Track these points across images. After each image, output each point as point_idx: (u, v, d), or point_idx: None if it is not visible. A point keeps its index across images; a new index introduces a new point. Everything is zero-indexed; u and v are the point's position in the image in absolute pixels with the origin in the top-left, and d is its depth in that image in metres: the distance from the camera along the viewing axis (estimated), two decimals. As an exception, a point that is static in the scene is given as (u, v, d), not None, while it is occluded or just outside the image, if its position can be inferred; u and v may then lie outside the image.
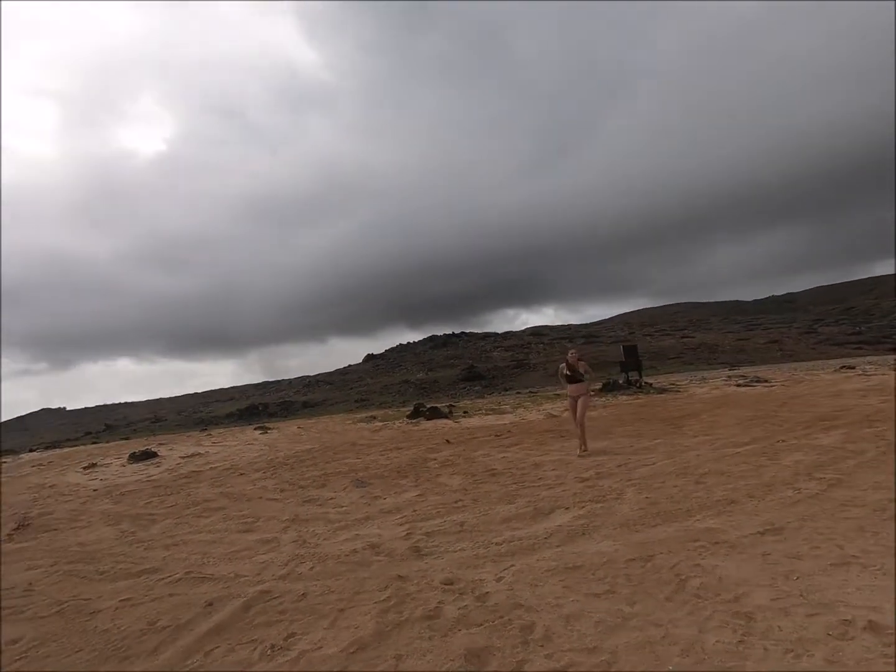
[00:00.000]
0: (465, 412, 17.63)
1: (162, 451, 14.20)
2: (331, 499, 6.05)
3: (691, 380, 24.62)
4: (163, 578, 3.80)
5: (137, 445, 18.16)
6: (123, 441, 28.99)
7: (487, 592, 3.00)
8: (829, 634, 2.27)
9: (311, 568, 3.71)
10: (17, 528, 6.07)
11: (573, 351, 7.61)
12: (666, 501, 4.43)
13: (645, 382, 19.79)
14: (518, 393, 33.60)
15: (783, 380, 18.57)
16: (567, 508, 4.56)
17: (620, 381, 19.90)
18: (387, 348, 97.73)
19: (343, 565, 3.70)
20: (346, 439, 13.10)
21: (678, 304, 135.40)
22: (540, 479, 5.90)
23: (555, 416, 13.56)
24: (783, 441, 6.55)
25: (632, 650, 2.30)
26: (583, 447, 7.21)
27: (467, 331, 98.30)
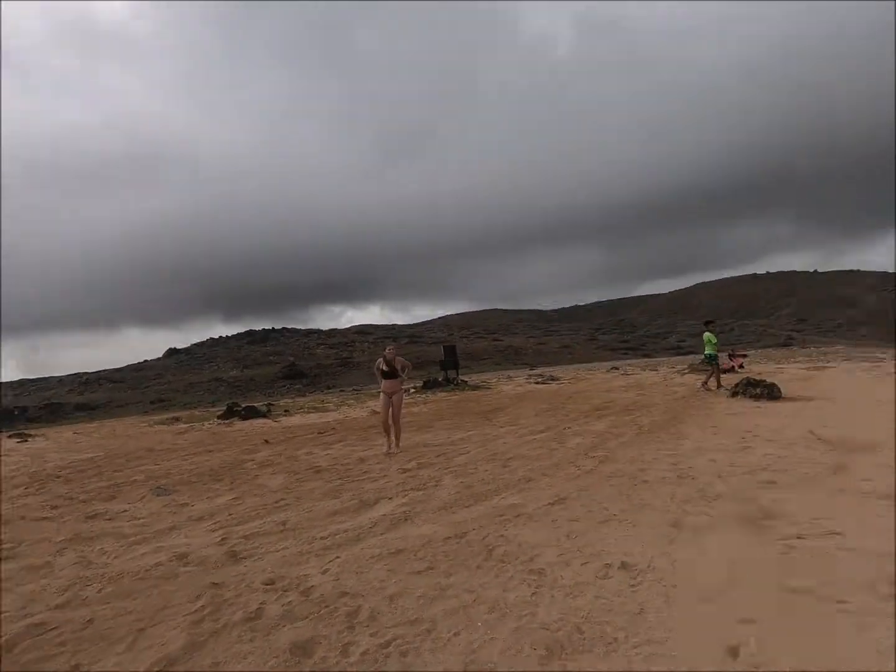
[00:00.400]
0: (285, 411, 16.84)
1: None
2: (123, 511, 5.25)
3: (499, 378, 27.48)
4: None
5: None
6: None
7: (312, 586, 2.99)
8: (596, 577, 2.84)
9: (100, 590, 3.20)
10: None
11: (391, 347, 7.47)
12: (479, 484, 4.94)
13: (461, 380, 21.45)
14: (342, 391, 33.31)
15: (570, 378, 21.97)
16: (390, 498, 4.75)
17: (440, 379, 21.22)
18: (193, 342, 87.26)
19: (142, 582, 3.28)
20: (141, 444, 11.41)
21: (491, 309, 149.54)
22: (365, 472, 6.02)
23: (377, 412, 13.85)
24: (569, 428, 7.82)
25: (448, 616, 2.55)
26: (396, 444, 7.15)
27: (289, 326, 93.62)
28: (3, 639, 2.62)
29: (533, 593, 2.71)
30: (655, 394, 12.09)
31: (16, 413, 40.50)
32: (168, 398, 45.51)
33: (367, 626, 2.51)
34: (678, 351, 59.09)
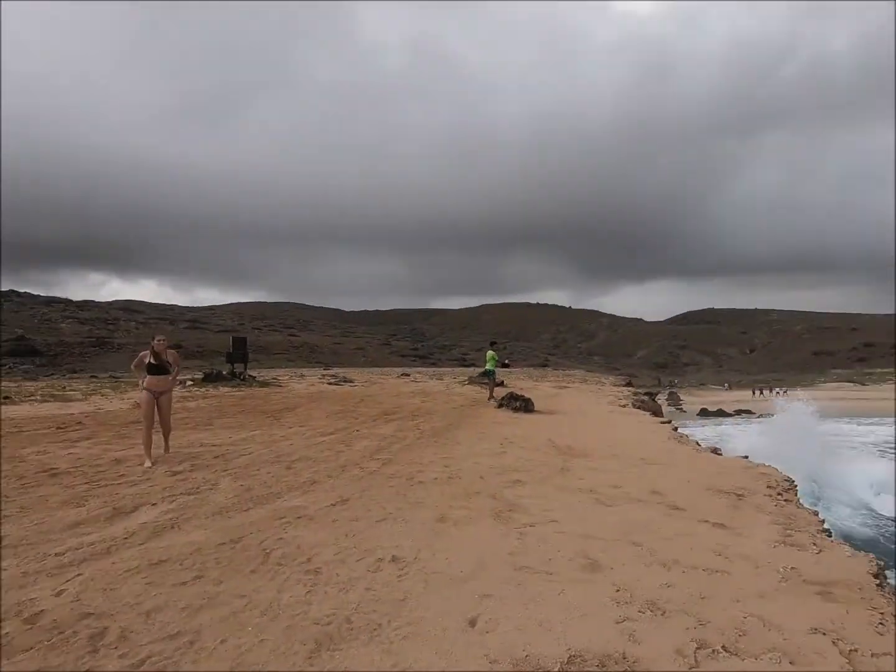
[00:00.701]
0: (6, 397, 13.33)
1: None
2: None
3: (292, 376, 26.50)
4: None
5: None
6: None
7: (42, 611, 2.54)
8: (368, 571, 3.08)
9: None
10: None
11: (161, 337, 6.29)
12: (259, 487, 4.78)
13: (249, 375, 20.05)
14: (94, 377, 27.80)
15: (363, 381, 22.48)
16: (154, 504, 4.27)
17: (225, 373, 19.48)
18: None
19: None
20: None
21: (290, 303, 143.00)
22: (122, 476, 5.24)
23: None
24: (358, 431, 8.08)
25: (216, 624, 2.47)
26: (165, 448, 6.26)
27: (21, 290, 74.21)
28: None
29: (308, 592, 2.81)
30: (438, 401, 13.28)
31: None
32: None
33: (116, 647, 2.27)
34: (462, 363, 65.60)
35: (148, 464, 5.66)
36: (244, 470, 5.47)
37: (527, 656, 2.24)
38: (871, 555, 3.35)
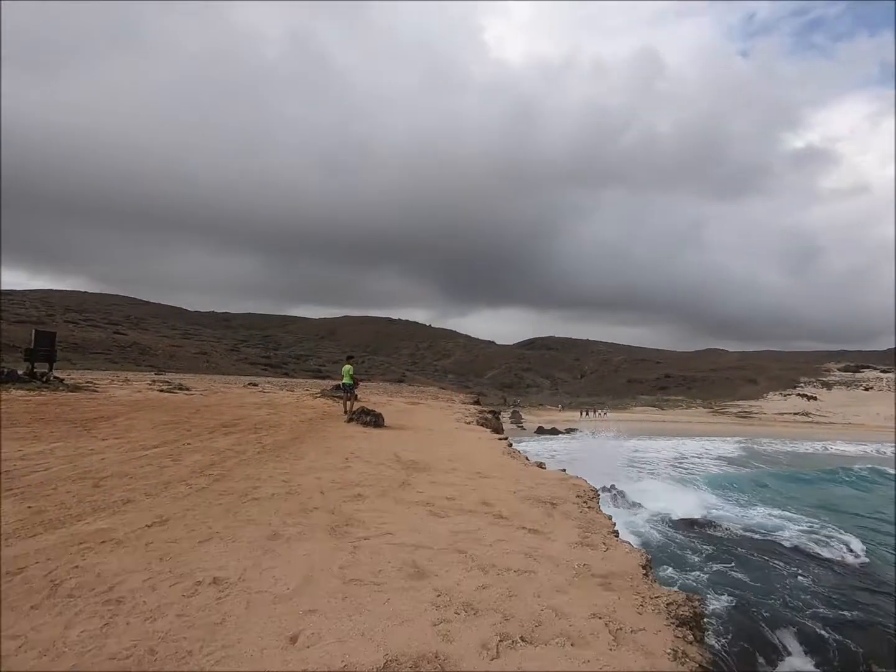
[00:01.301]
0: None
1: None
2: None
3: (113, 380, 23.04)
4: None
5: None
6: None
7: None
8: (183, 595, 2.86)
9: None
10: None
11: None
12: (55, 508, 4.11)
13: (55, 377, 16.96)
14: None
15: (203, 389, 20.47)
16: None
17: (21, 373, 16.21)
18: None
19: None
20: None
21: (119, 295, 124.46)
22: None
23: None
24: (189, 444, 7.36)
25: (-26, 673, 2.09)
26: None
27: None
28: None
29: (105, 624, 2.51)
30: (286, 414, 12.68)
31: None
32: None
33: None
34: (317, 374, 63.38)
35: None
36: (36, 489, 4.64)
37: (344, 666, 2.30)
38: (643, 550, 4.08)
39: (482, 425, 15.18)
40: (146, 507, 4.37)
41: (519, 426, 44.16)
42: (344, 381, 13.16)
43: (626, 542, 4.25)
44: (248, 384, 26.71)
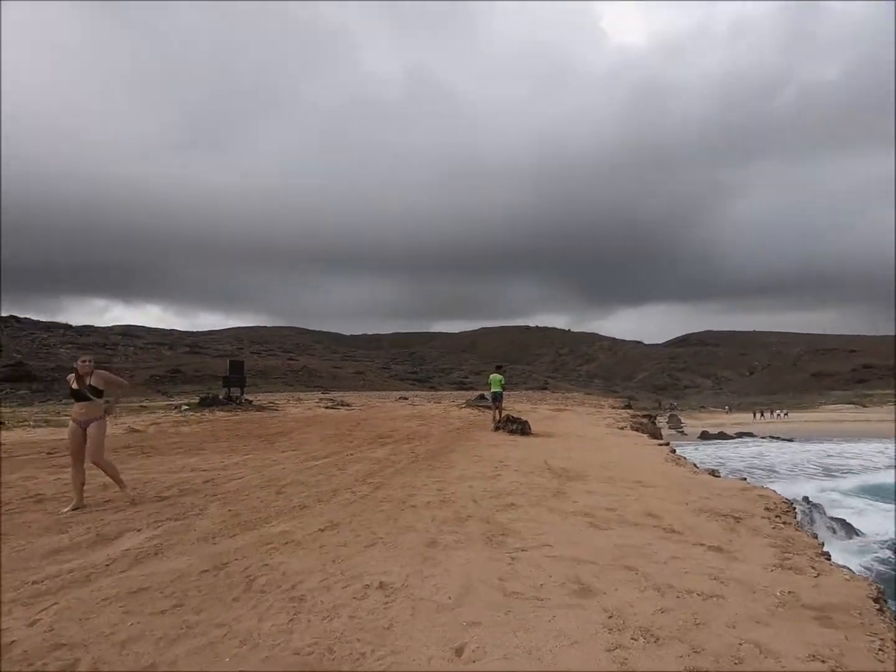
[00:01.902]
0: (0, 423, 13.20)
1: None
2: None
3: (289, 400, 26.36)
4: None
5: None
6: None
7: (13, 641, 2.46)
8: (353, 598, 2.99)
9: None
10: None
11: (85, 358, 5.26)
12: (248, 512, 4.69)
13: (246, 399, 19.92)
14: (89, 402, 27.53)
15: (360, 405, 22.34)
16: (139, 530, 4.18)
17: (221, 397, 19.36)
18: None
19: None
20: None
21: (289, 327, 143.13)
22: (108, 501, 5.15)
23: (137, 430, 11.93)
24: (351, 455, 7.98)
25: (192, 655, 2.38)
26: (120, 486, 5.25)
27: (21, 315, 74.29)
28: None
29: (290, 620, 2.72)
30: (434, 425, 13.16)
31: None
32: None
33: (87, 679, 2.18)
34: (461, 386, 65.37)
35: (67, 508, 4.82)
36: (234, 495, 5.37)
37: (513, 686, 2.16)
38: (871, 578, 3.27)
39: (637, 430, 14.07)
40: (318, 512, 4.76)
41: (679, 431, 40.28)
42: (493, 390, 13.21)
43: (845, 567, 3.46)
44: (399, 398, 28.46)
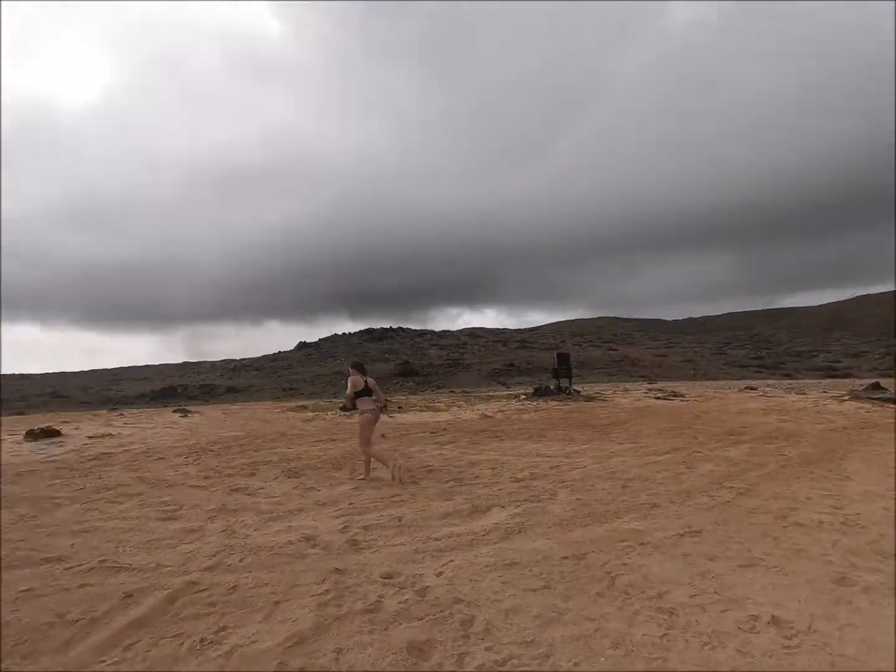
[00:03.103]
0: (399, 407, 17.58)
1: (66, 429, 13.02)
2: (261, 489, 5.82)
3: (615, 390, 26.06)
4: (71, 567, 3.49)
5: (36, 422, 16.52)
6: (19, 416, 26.26)
7: (427, 587, 3.02)
8: (739, 628, 2.49)
9: (242, 559, 3.55)
10: None
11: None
12: (596, 503, 4.66)
13: (574, 390, 20.68)
14: (452, 392, 33.97)
15: (696, 395, 20.09)
16: (503, 507, 4.67)
17: (551, 387, 20.66)
18: (321, 337, 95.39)
19: (277, 557, 3.58)
20: (275, 428, 12.65)
21: (607, 317, 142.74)
22: (476, 477, 6.01)
23: (489, 416, 13.85)
24: (698, 452, 7.10)
25: (567, 643, 2.41)
26: (393, 469, 6.00)
27: (405, 326, 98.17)
28: (165, 592, 3.01)
29: (663, 635, 2.46)
30: (804, 421, 10.54)
31: (178, 391, 47.70)
32: (297, 387, 50.14)
33: (482, 638, 2.46)
34: (829, 373, 51.41)
35: (362, 476, 6.15)
36: (579, 483, 5.47)
37: None
38: None
39: None
40: (672, 513, 4.32)
41: None
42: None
43: None
44: (745, 388, 24.36)
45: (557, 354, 22.06)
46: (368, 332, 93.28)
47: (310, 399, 31.10)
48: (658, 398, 18.87)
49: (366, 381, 6.24)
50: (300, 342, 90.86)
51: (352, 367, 6.38)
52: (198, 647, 2.44)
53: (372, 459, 6.34)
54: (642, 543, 3.63)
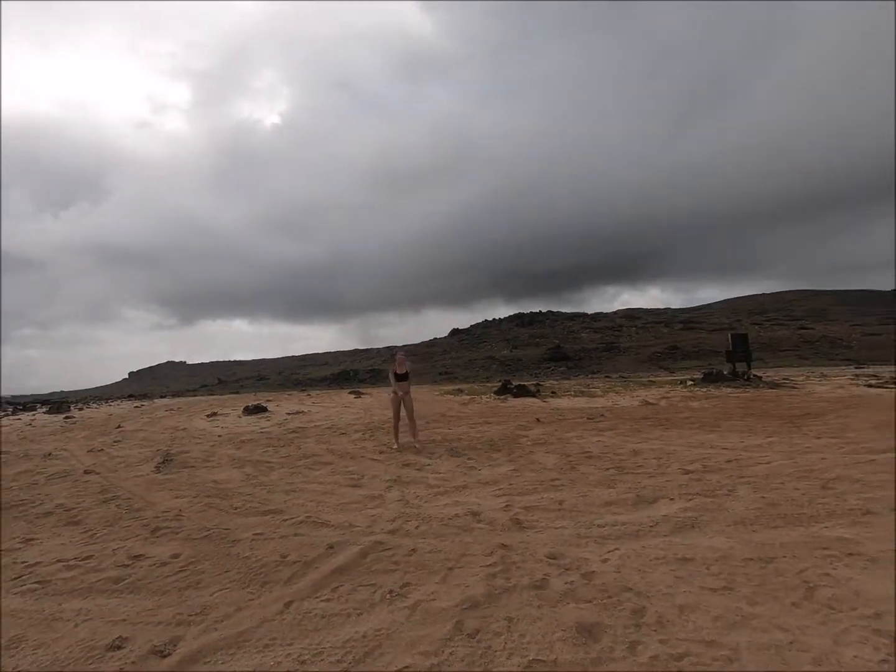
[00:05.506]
0: (552, 392, 17.43)
1: (270, 406, 15.62)
2: (427, 465, 6.33)
3: (808, 376, 22.28)
4: (287, 519, 4.24)
5: (248, 400, 20.12)
6: (234, 395, 32.26)
7: (593, 571, 3.02)
8: None
9: (417, 526, 3.94)
10: (163, 462, 7.04)
11: (401, 354, 8.20)
12: (787, 504, 4.11)
13: (754, 375, 18.23)
14: (607, 377, 32.47)
15: (927, 383, 16.15)
16: (672, 499, 4.40)
17: (725, 372, 18.50)
18: (472, 323, 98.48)
19: (447, 528, 3.89)
20: (435, 409, 13.53)
21: (797, 290, 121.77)
22: (640, 466, 5.73)
23: (651, 403, 12.97)
24: (931, 452, 5.76)
25: (755, 650, 2.22)
26: (413, 436, 7.85)
27: (555, 309, 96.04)
28: (358, 547, 3.49)
29: (882, 660, 2.12)
30: None
31: (351, 374, 53.70)
32: (452, 371, 52.72)
33: (656, 630, 2.39)
34: None
35: (395, 446, 7.62)
36: (764, 480, 4.87)
37: None
38: None
39: None
40: (893, 524, 3.62)
41: None
42: None
43: None
44: None
45: (733, 335, 19.60)
46: (518, 316, 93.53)
47: (465, 383, 32.45)
48: (870, 386, 15.63)
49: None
50: (453, 328, 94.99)
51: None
52: (388, 597, 2.80)
53: (401, 427, 7.99)
54: (850, 554, 3.12)
